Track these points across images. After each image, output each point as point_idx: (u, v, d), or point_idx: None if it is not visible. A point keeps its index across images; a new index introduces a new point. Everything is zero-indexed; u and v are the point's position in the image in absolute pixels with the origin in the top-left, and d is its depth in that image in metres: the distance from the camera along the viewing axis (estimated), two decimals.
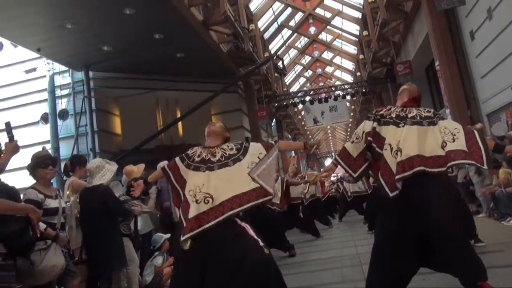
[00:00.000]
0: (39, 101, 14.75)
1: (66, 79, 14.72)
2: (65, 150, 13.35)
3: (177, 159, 2.84)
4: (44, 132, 14.18)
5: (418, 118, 2.76)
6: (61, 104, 14.47)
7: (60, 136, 13.79)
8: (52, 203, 3.40)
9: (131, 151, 11.16)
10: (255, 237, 2.44)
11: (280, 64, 14.66)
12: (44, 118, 14.43)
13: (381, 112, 2.88)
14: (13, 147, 2.81)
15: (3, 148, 2.80)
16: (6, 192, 2.89)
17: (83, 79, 14.10)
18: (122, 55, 12.94)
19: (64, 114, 14.21)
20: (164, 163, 3.08)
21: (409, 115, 2.78)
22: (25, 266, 2.89)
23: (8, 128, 2.89)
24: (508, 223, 5.63)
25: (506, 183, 5.77)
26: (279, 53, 18.35)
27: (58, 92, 14.50)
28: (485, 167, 2.55)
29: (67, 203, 3.81)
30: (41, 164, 3.41)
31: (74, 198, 3.78)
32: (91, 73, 14.16)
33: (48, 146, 13.20)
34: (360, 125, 2.92)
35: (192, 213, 2.45)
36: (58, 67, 14.36)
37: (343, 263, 4.98)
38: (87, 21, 10.93)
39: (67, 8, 10.14)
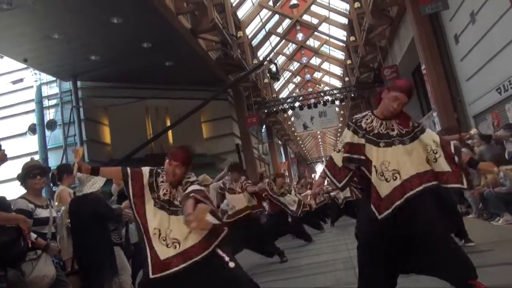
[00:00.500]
0: (27, 112, 14.62)
1: (53, 89, 14.61)
2: (54, 161, 13.19)
3: (146, 171, 2.71)
4: (32, 143, 14.03)
5: (401, 135, 2.63)
6: (49, 115, 14.35)
7: (48, 147, 13.67)
8: (42, 213, 3.38)
9: (121, 160, 11.06)
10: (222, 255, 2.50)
11: (273, 68, 14.58)
12: (32, 129, 14.27)
13: (362, 124, 2.71)
14: (0, 156, 2.79)
15: None
16: None
17: (71, 89, 14.02)
18: (110, 64, 12.90)
19: (52, 125, 14.06)
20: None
21: (392, 133, 2.64)
22: (16, 277, 2.85)
23: None
24: (497, 223, 5.70)
25: (494, 183, 5.85)
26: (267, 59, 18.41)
27: (46, 103, 14.39)
28: (465, 186, 2.57)
29: (58, 213, 3.78)
30: (29, 174, 3.40)
31: (66, 207, 3.75)
32: (79, 83, 14.09)
33: (37, 157, 13.05)
34: (343, 132, 2.82)
35: (162, 255, 2.46)
36: (46, 77, 14.27)
37: (336, 266, 4.98)
38: (74, 31, 10.90)
39: (53, 18, 10.11)
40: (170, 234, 2.47)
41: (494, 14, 8.03)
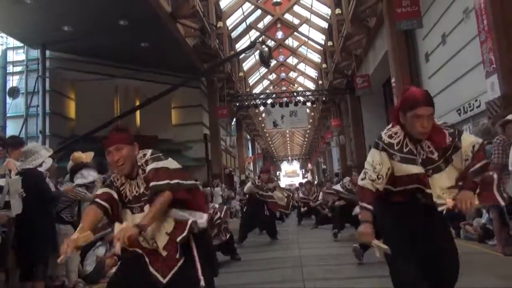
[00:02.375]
0: None
1: (19, 55, 14.03)
2: (13, 130, 12.68)
3: (104, 188, 2.30)
4: None
5: (437, 159, 2.18)
6: (12, 82, 13.78)
7: (8, 115, 13.13)
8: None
9: (82, 137, 10.79)
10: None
11: (265, 49, 12.88)
12: None
13: (393, 151, 2.19)
14: None
15: None
16: None
17: (38, 57, 13.48)
18: (83, 37, 12.49)
19: (14, 92, 13.46)
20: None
21: (428, 156, 2.18)
22: None
23: None
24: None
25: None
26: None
27: (10, 69, 13.81)
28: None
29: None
30: None
31: (17, 177, 3.64)
32: (48, 52, 13.57)
33: None
34: (375, 156, 2.20)
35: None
36: (12, 42, 13.66)
37: (285, 263, 5.14)
38: None
39: None
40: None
41: (463, 38, 8.39)
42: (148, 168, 2.20)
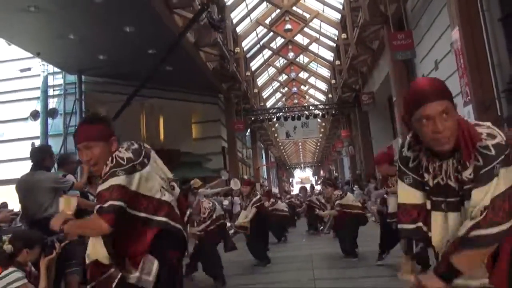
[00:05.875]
0: (29, 99, 15.60)
1: (57, 80, 15.63)
2: (54, 147, 14.21)
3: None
4: (32, 128, 15.05)
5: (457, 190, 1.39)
6: (52, 104, 15.39)
7: (49, 133, 14.73)
8: None
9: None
10: None
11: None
12: (33, 115, 15.23)
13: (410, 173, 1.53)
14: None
15: None
16: None
17: (75, 81, 15.08)
18: (116, 64, 14.02)
19: (53, 113, 15.10)
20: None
21: (447, 184, 1.41)
22: None
23: None
24: None
25: None
26: (259, 70, 19.80)
27: (50, 92, 15.42)
28: None
29: None
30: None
31: None
32: (83, 77, 15.16)
33: (38, 142, 14.14)
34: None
35: None
36: (52, 68, 15.27)
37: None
38: (89, 33, 12.02)
39: (72, 21, 11.19)
40: None
41: (451, 66, 9.60)
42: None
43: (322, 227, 10.68)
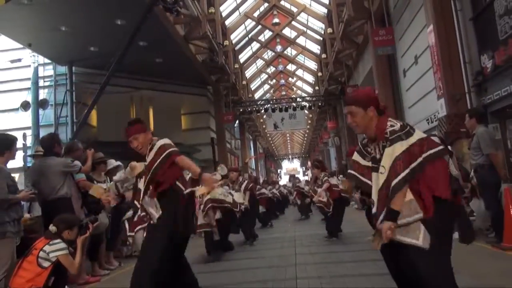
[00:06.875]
0: (20, 89, 15.72)
1: (48, 71, 15.77)
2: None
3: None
4: (23, 119, 15.21)
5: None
6: (42, 94, 15.53)
7: (40, 124, 14.91)
8: None
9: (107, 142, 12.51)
10: None
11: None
12: (24, 106, 15.37)
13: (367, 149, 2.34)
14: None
15: None
16: None
17: (66, 73, 15.27)
18: (107, 55, 14.21)
19: (44, 104, 15.27)
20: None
21: (376, 156, 2.23)
22: None
23: None
24: None
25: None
26: (247, 63, 20.20)
27: (40, 83, 15.55)
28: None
29: None
30: None
31: None
32: (74, 68, 15.34)
33: (29, 132, 14.36)
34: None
35: None
36: (42, 59, 15.40)
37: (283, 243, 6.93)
38: (81, 26, 12.24)
39: (65, 13, 11.44)
40: None
41: (428, 62, 10.15)
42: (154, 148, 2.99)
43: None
